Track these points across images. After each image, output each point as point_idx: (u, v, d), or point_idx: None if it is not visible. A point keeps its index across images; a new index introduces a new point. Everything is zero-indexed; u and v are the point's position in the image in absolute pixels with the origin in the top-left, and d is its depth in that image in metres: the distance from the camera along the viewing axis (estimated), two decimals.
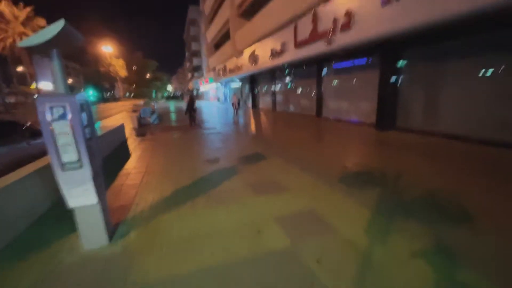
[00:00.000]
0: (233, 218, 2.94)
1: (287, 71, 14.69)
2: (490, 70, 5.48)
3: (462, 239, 2.37)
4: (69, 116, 2.09)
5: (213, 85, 34.36)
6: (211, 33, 28.32)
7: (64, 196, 2.24)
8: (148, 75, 65.48)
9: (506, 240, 2.33)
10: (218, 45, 27.17)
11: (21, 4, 28.46)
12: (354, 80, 9.43)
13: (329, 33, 7.79)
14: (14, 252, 2.41)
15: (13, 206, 2.75)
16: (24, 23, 28.76)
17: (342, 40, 7.45)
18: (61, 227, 2.78)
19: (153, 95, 67.46)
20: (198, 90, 49.62)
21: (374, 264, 2.09)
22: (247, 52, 16.41)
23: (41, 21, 29.99)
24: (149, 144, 7.55)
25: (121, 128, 8.18)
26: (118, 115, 17.38)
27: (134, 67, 60.14)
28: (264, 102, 19.26)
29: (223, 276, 2.02)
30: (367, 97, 8.66)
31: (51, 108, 2.03)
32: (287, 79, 15.08)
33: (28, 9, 28.85)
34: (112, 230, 2.66)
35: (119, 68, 57.49)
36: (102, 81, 59.26)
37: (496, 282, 1.86)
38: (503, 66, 5.26)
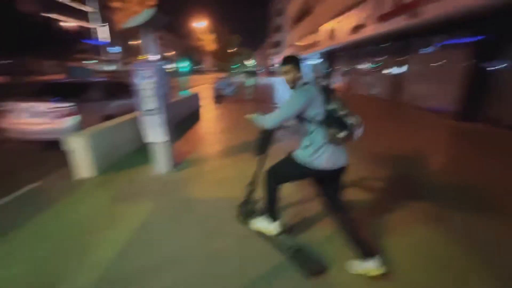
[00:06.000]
0: None
1: (362, 50, 13.45)
2: None
3: None
4: (153, 77, 3.02)
5: None
6: (293, 7, 27.66)
7: (145, 133, 3.30)
8: (231, 50, 69.42)
9: None
10: (299, 19, 26.40)
11: None
12: (440, 61, 8.07)
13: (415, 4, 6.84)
14: (114, 168, 3.72)
15: (122, 137, 4.16)
16: (139, 3, 34.61)
17: (429, 12, 6.46)
18: (147, 157, 3.99)
19: (236, 69, 71.51)
20: (274, 66, 50.02)
21: None
22: (324, 28, 15.64)
23: (151, 1, 35.35)
24: (218, 112, 8.76)
25: (195, 97, 9.65)
26: (203, 86, 19.81)
27: (220, 42, 64.60)
28: (338, 82, 18.28)
29: (233, 203, 2.70)
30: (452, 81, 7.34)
31: (141, 72, 2.99)
32: (362, 59, 13.86)
33: None
34: (175, 164, 3.69)
35: (208, 42, 62.90)
36: (193, 53, 66.54)
37: None
38: None
